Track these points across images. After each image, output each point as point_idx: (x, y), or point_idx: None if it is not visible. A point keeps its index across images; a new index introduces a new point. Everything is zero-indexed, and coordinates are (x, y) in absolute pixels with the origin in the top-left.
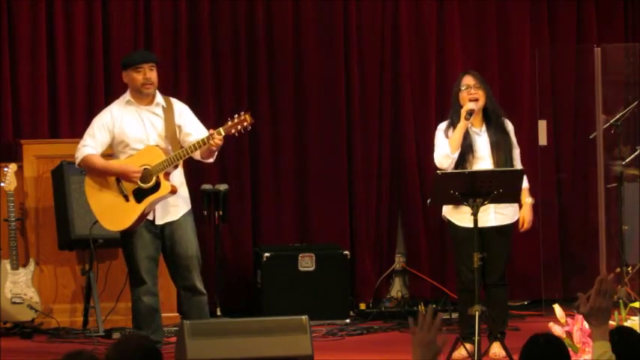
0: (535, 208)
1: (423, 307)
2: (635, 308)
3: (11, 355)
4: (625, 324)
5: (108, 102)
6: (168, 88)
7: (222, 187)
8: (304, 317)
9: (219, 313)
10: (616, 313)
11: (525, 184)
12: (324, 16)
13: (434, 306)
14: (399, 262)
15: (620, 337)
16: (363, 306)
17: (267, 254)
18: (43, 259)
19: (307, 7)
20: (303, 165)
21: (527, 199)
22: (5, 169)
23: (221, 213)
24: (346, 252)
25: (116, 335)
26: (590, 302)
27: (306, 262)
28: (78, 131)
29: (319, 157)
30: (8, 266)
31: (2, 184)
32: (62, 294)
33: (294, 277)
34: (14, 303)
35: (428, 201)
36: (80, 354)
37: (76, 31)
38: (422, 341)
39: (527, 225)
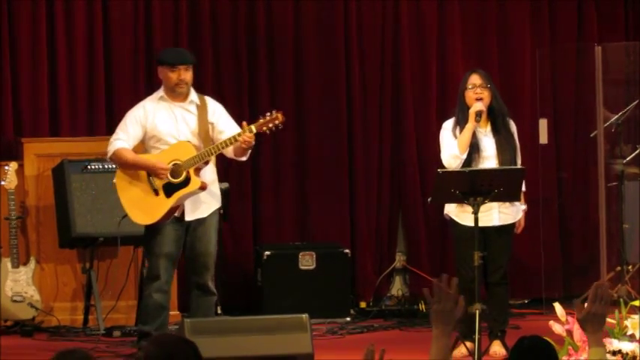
0: (535, 206)
1: (423, 305)
2: (636, 307)
3: (12, 353)
4: (625, 322)
5: (108, 100)
6: None
7: (223, 185)
8: (305, 315)
9: (219, 312)
10: (616, 312)
11: (522, 188)
12: (325, 16)
13: (446, 275)
14: (399, 260)
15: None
16: (363, 304)
17: (267, 253)
18: (44, 257)
19: (307, 7)
20: (303, 164)
21: (521, 206)
22: (6, 167)
23: (222, 211)
24: (347, 250)
25: (117, 333)
26: (586, 308)
27: (307, 261)
28: (79, 130)
29: (320, 156)
30: (9, 264)
31: (3, 183)
32: (63, 292)
33: (295, 276)
34: (15, 301)
35: (428, 199)
36: (73, 352)
37: (76, 29)
38: (441, 312)
39: (519, 230)
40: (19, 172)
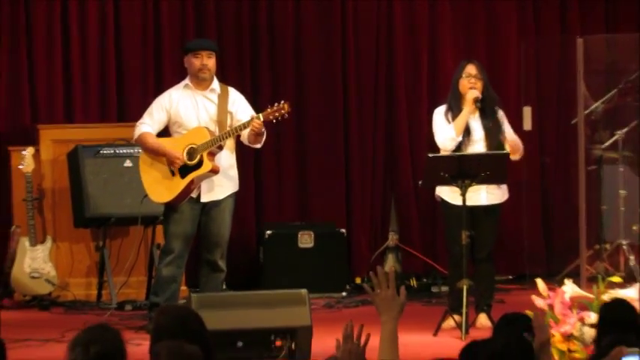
0: (519, 188)
1: (414, 281)
2: (614, 282)
3: (30, 325)
4: (603, 297)
5: (119, 89)
6: (176, 82)
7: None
8: (303, 291)
9: (224, 287)
10: (594, 287)
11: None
12: (323, 14)
13: (380, 268)
14: (392, 239)
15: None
16: (358, 280)
17: (269, 232)
18: (60, 236)
19: (307, 6)
20: (303, 150)
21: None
22: (23, 152)
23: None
24: (343, 230)
25: (128, 307)
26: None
27: (306, 240)
28: (91, 116)
29: (318, 143)
30: (27, 243)
31: (21, 167)
32: (77, 269)
33: (294, 254)
34: (33, 277)
35: (419, 182)
36: (104, 329)
37: (89, 23)
38: (384, 299)
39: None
40: (36, 156)
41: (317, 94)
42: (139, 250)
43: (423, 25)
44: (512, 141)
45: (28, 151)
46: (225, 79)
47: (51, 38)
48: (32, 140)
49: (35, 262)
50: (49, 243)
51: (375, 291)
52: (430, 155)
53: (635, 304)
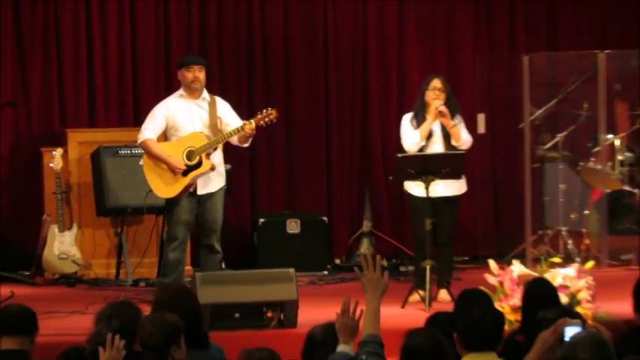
0: (474, 183)
1: (386, 262)
2: (554, 262)
3: (58, 300)
4: (545, 275)
5: (135, 98)
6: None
7: (227, 166)
8: (291, 270)
9: (223, 266)
10: (538, 266)
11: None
12: (308, 34)
13: (372, 252)
14: (366, 225)
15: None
16: (337, 261)
17: (261, 220)
18: (84, 223)
19: (295, 22)
20: (290, 150)
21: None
22: (53, 152)
23: (226, 187)
24: (324, 218)
25: (142, 284)
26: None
27: (293, 227)
28: (112, 121)
29: (304, 144)
30: (56, 229)
31: (51, 165)
32: (99, 251)
33: (283, 238)
34: (61, 259)
35: (390, 178)
36: (127, 305)
37: (109, 39)
38: (371, 280)
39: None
40: (64, 156)
41: (303, 102)
42: (151, 235)
43: (392, 44)
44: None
45: (58, 152)
46: (225, 89)
47: (77, 53)
48: (61, 142)
49: (63, 245)
50: (74, 229)
51: (363, 272)
52: (399, 155)
53: (574, 282)
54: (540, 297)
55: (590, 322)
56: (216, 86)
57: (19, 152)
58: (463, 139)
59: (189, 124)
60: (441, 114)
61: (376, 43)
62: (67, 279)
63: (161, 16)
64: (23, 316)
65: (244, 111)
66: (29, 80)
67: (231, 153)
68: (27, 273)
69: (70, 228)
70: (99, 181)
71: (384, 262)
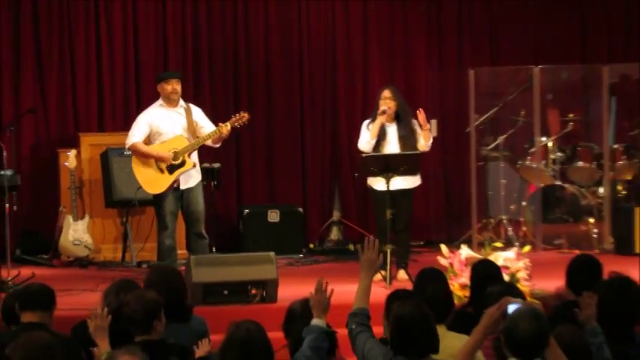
0: (428, 179)
1: (352, 246)
2: (497, 247)
3: (73, 279)
4: (489, 258)
5: (138, 106)
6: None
7: (216, 165)
8: (272, 253)
9: (214, 250)
10: (482, 250)
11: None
12: (285, 48)
13: (373, 237)
14: (336, 215)
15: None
16: (311, 245)
17: (246, 210)
18: (94, 214)
19: (273, 38)
20: (271, 150)
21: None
22: (68, 153)
23: (215, 183)
24: (300, 209)
25: (144, 265)
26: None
27: (273, 216)
28: (118, 126)
29: (283, 145)
30: (71, 219)
31: (66, 164)
32: (107, 238)
33: (265, 226)
34: (75, 244)
35: (355, 174)
36: (130, 283)
37: (116, 55)
38: (368, 259)
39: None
40: (77, 156)
41: (281, 110)
42: (152, 224)
43: (357, 59)
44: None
45: (72, 153)
46: (214, 95)
47: (88, 67)
48: (75, 144)
49: (77, 233)
50: (86, 219)
51: (364, 252)
52: (363, 155)
53: (514, 263)
54: (486, 275)
55: (527, 298)
56: (206, 92)
57: (38, 153)
58: (429, 142)
59: (171, 129)
60: (383, 113)
61: (344, 58)
62: (80, 261)
63: (160, 37)
64: (43, 293)
65: (231, 114)
66: (47, 91)
67: (219, 153)
68: (46, 256)
69: (82, 218)
70: (107, 177)
71: (351, 247)
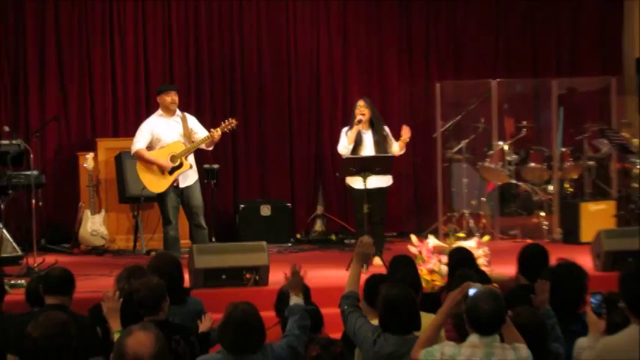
0: (399, 177)
1: (334, 236)
2: (459, 237)
3: (91, 265)
4: (453, 246)
5: (148, 114)
6: (182, 102)
7: (215, 166)
8: (264, 242)
9: (213, 240)
10: (447, 239)
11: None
12: (276, 64)
13: (367, 237)
14: (319, 209)
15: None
16: (298, 236)
17: (242, 205)
18: (110, 208)
19: (265, 55)
20: (263, 153)
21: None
22: (87, 156)
23: (215, 181)
24: (289, 204)
25: (153, 253)
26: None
27: (265, 210)
28: (130, 132)
29: (273, 149)
30: (89, 213)
31: (85, 165)
32: (121, 229)
33: (258, 219)
34: (92, 235)
35: (336, 174)
36: (140, 268)
37: (128, 71)
38: (364, 254)
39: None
40: (95, 158)
41: (272, 118)
42: (159, 217)
43: (338, 74)
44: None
45: (90, 155)
46: (214, 104)
47: (104, 81)
48: (92, 148)
49: (94, 225)
50: (102, 213)
51: (362, 248)
52: (344, 157)
53: (474, 251)
54: (461, 259)
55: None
56: (206, 100)
57: (61, 156)
58: (402, 151)
59: (169, 136)
60: (359, 122)
61: (326, 72)
62: (97, 250)
63: (167, 53)
64: (64, 277)
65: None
66: (68, 101)
67: (219, 156)
68: (67, 245)
69: (99, 212)
70: (120, 177)
71: (333, 237)
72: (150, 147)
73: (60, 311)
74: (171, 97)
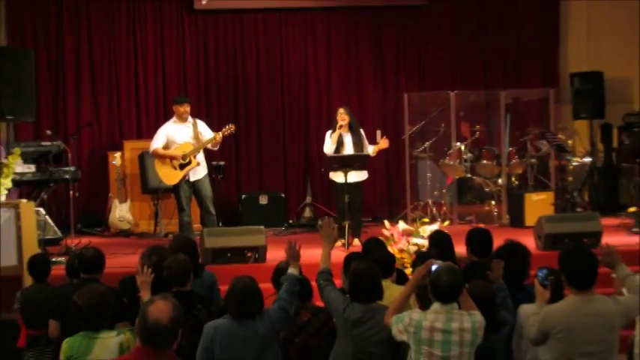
0: (375, 172)
1: (320, 221)
2: (424, 222)
3: (118, 245)
4: (419, 229)
5: (165, 119)
6: (194, 109)
7: (222, 162)
8: (262, 227)
9: (220, 224)
10: (414, 224)
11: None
12: (271, 79)
13: (327, 217)
14: (308, 199)
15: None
16: (291, 221)
17: (243, 196)
18: (134, 198)
19: (263, 72)
20: (261, 153)
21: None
22: (115, 154)
23: (221, 176)
24: (283, 194)
25: (170, 236)
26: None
27: (263, 200)
28: (151, 135)
29: (270, 149)
30: (117, 202)
31: (114, 162)
32: (143, 215)
33: (257, 207)
34: (120, 220)
35: (322, 170)
36: (160, 248)
37: (149, 83)
38: (327, 234)
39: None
40: (122, 157)
41: (268, 123)
42: (175, 205)
43: (323, 87)
44: (377, 149)
45: (118, 154)
46: (220, 112)
47: (128, 92)
48: (119, 148)
49: (121, 212)
50: (128, 202)
51: (322, 229)
52: (329, 155)
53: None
54: (440, 241)
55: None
56: (214, 108)
57: (94, 155)
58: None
59: (181, 138)
60: (340, 127)
61: (313, 86)
62: (124, 233)
63: (181, 70)
64: (96, 256)
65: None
66: (99, 109)
67: (225, 155)
68: (99, 229)
69: (125, 201)
70: (143, 172)
71: (319, 222)
72: (165, 147)
73: (98, 283)
74: (183, 108)
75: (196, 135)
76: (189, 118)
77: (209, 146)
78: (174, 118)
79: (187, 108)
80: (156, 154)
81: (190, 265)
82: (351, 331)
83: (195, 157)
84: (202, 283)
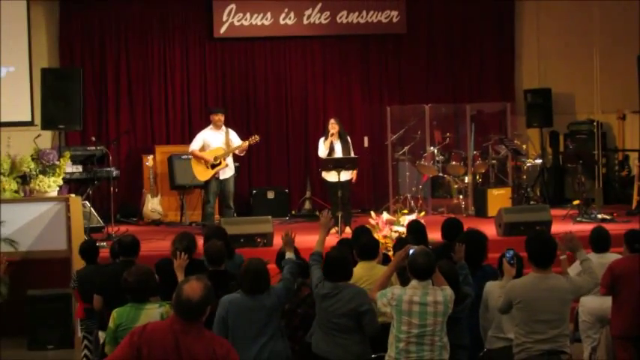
0: (362, 172)
1: (318, 213)
2: (404, 213)
3: (151, 232)
4: (400, 219)
5: (190, 127)
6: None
7: (237, 164)
8: (269, 217)
9: (235, 215)
10: (396, 215)
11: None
12: (276, 91)
13: (326, 210)
14: (308, 194)
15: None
16: (293, 212)
17: (254, 191)
18: (164, 193)
19: (272, 87)
20: (269, 154)
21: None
22: (148, 157)
23: (236, 175)
24: (287, 190)
25: (194, 225)
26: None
27: (270, 195)
28: (177, 141)
29: (276, 152)
30: (149, 196)
31: (147, 164)
32: (171, 207)
33: (265, 201)
34: (152, 212)
35: (319, 169)
36: (188, 234)
37: (176, 97)
38: (324, 223)
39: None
40: (154, 159)
41: (275, 130)
42: (197, 199)
43: (319, 99)
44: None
45: (150, 157)
46: (236, 119)
47: (160, 104)
48: (152, 151)
49: (153, 204)
50: (159, 196)
51: (322, 218)
52: (323, 158)
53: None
54: (416, 229)
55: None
56: (229, 121)
57: (130, 158)
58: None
59: (215, 143)
60: (331, 135)
61: (312, 102)
62: (155, 222)
63: (203, 87)
64: (133, 241)
65: (245, 132)
66: (135, 119)
67: (239, 157)
68: (135, 219)
69: (157, 195)
70: (171, 171)
71: (317, 213)
72: (201, 149)
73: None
74: (218, 117)
75: (227, 141)
76: (223, 127)
77: (237, 152)
78: (210, 126)
79: (221, 117)
80: (193, 155)
81: (225, 249)
82: (321, 303)
83: (224, 159)
84: (233, 264)
